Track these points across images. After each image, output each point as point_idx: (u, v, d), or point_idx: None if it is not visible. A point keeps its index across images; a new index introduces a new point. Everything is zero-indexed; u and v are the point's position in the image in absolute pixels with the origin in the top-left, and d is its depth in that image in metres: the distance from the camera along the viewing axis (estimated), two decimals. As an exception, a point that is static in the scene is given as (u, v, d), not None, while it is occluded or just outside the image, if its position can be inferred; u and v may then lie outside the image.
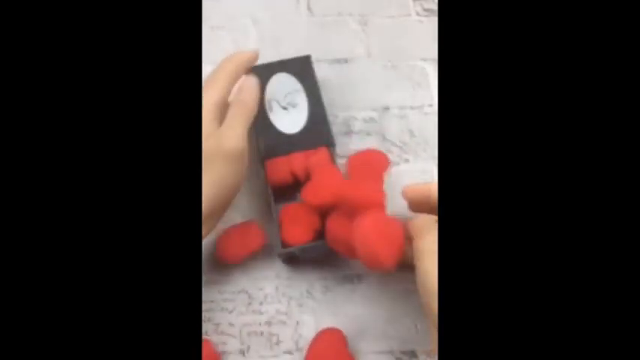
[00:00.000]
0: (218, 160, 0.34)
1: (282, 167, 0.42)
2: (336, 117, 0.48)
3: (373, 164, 0.45)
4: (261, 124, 0.43)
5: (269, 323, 0.40)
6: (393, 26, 0.53)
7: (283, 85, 0.45)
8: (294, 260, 0.41)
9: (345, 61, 0.51)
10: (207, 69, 0.50)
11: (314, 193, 0.40)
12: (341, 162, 0.45)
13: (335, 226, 0.37)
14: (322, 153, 0.42)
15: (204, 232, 0.34)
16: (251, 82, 0.38)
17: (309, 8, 0.54)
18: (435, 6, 0.54)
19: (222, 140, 0.34)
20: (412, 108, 0.49)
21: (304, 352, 0.39)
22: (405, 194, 0.34)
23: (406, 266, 0.33)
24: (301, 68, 0.45)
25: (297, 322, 0.40)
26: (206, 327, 0.40)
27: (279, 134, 0.43)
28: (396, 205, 0.34)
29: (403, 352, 0.39)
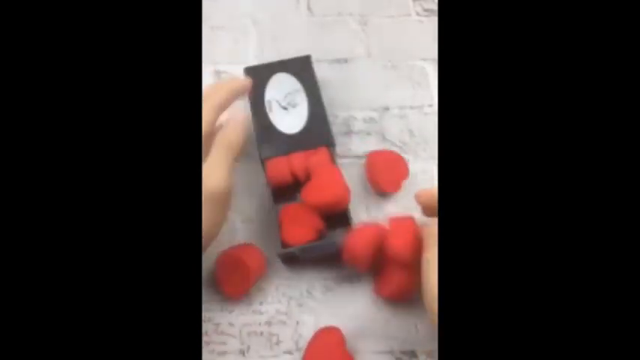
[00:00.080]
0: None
1: (282, 167, 0.42)
2: (336, 117, 0.48)
3: (394, 169, 0.45)
4: (261, 124, 0.43)
5: (269, 323, 0.40)
6: (393, 26, 0.53)
7: (283, 85, 0.45)
8: (294, 260, 0.41)
9: (345, 61, 0.51)
10: (207, 69, 0.50)
11: (314, 193, 0.40)
12: (341, 162, 0.45)
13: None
14: (322, 153, 0.42)
15: None
16: (240, 116, 0.37)
17: (309, 8, 0.54)
18: (435, 6, 0.54)
19: (205, 179, 0.33)
20: (412, 108, 0.49)
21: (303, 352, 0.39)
22: (418, 198, 0.34)
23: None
24: (301, 68, 0.45)
25: (297, 322, 0.40)
26: (206, 327, 0.40)
27: (279, 134, 0.43)
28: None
29: (403, 352, 0.39)
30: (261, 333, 0.40)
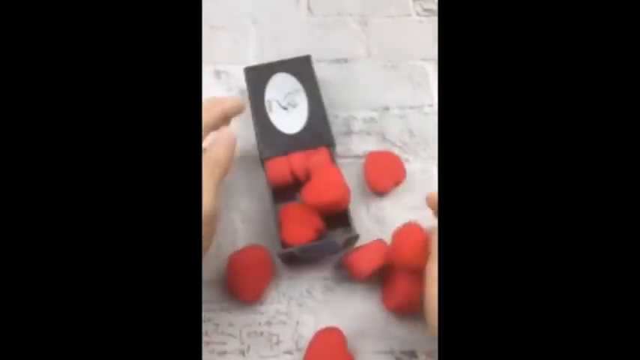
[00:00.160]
0: None
1: (282, 167, 0.42)
2: (336, 117, 0.48)
3: (391, 169, 0.45)
4: (261, 124, 0.43)
5: (269, 323, 0.40)
6: (393, 26, 0.53)
7: (283, 85, 0.45)
8: (294, 260, 0.41)
9: (345, 61, 0.51)
10: (207, 69, 0.50)
11: (314, 193, 0.40)
12: (341, 162, 0.45)
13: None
14: (322, 153, 0.42)
15: None
16: (227, 135, 0.35)
17: (309, 8, 0.54)
18: (435, 6, 0.54)
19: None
20: (412, 108, 0.49)
21: (304, 352, 0.39)
22: (429, 201, 0.34)
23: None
24: (301, 68, 0.45)
25: (297, 322, 0.40)
26: (206, 327, 0.40)
27: (279, 134, 0.43)
28: None
29: (403, 352, 0.39)
30: (261, 333, 0.40)
